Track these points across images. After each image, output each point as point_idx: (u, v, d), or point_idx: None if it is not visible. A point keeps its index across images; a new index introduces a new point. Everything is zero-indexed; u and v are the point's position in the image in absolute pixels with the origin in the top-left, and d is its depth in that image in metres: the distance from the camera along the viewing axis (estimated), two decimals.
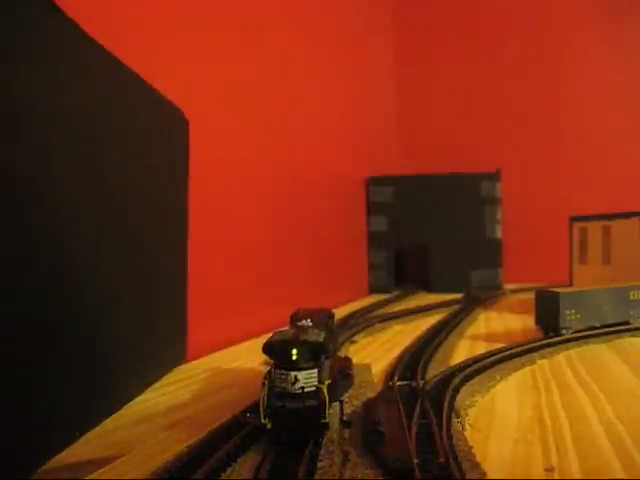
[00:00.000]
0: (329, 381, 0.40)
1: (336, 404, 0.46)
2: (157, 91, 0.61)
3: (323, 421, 0.38)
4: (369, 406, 0.49)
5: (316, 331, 0.42)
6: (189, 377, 0.65)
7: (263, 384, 0.39)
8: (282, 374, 0.38)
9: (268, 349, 0.39)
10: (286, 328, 0.43)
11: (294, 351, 0.38)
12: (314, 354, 0.38)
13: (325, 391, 0.38)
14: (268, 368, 0.41)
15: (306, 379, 0.38)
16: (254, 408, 0.41)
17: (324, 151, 1.33)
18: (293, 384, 0.37)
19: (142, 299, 0.58)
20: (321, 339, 0.40)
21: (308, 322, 0.45)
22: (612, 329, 0.84)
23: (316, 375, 0.38)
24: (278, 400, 0.37)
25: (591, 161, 1.79)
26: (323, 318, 0.48)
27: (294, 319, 0.47)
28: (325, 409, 0.37)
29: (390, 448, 0.38)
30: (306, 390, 0.37)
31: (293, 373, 0.37)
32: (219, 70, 0.89)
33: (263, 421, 0.38)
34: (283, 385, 0.38)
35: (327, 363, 0.42)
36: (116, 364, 0.52)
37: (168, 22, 0.76)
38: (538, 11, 1.87)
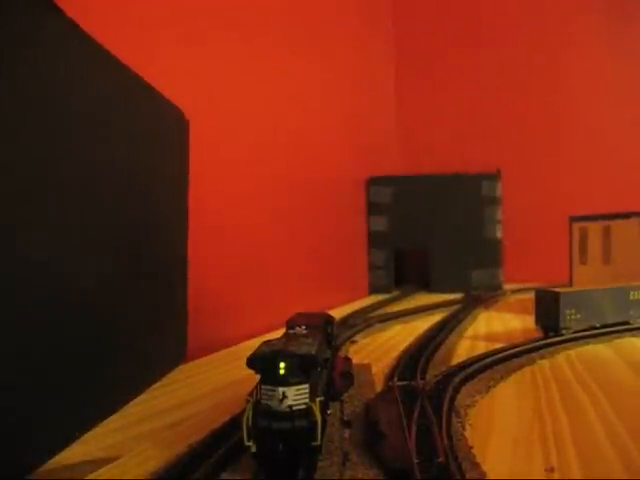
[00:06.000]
0: (321, 398, 0.36)
1: (336, 404, 0.46)
2: (157, 91, 0.61)
3: (314, 444, 0.33)
4: (369, 406, 0.49)
5: (308, 340, 0.38)
6: (189, 377, 0.65)
7: (247, 401, 0.34)
8: (268, 390, 0.33)
9: (253, 362, 0.35)
10: (276, 337, 0.40)
11: (282, 364, 0.34)
12: (304, 368, 0.34)
13: (317, 410, 0.33)
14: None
15: (295, 396, 0.33)
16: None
17: (324, 151, 1.33)
18: (281, 401, 0.33)
19: (142, 299, 0.58)
20: (313, 350, 0.36)
21: (302, 329, 0.42)
22: (612, 329, 0.84)
23: (307, 391, 0.34)
24: (264, 420, 0.33)
25: (591, 161, 1.79)
26: (320, 324, 0.46)
27: (290, 324, 0.44)
28: (317, 430, 0.33)
29: (390, 448, 0.38)
30: (295, 408, 0.33)
31: (281, 389, 0.33)
32: (220, 70, 0.89)
33: (247, 443, 0.33)
34: (269, 402, 0.33)
35: (320, 376, 0.39)
36: (116, 364, 0.52)
37: (169, 22, 0.76)
38: (538, 11, 1.87)
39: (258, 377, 0.35)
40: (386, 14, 1.97)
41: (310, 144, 1.25)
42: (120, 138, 0.53)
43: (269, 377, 0.34)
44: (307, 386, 0.34)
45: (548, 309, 0.83)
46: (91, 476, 0.38)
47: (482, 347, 0.77)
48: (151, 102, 0.61)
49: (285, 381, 0.33)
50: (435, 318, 1.04)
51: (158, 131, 0.63)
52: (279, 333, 0.44)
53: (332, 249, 1.37)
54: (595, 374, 0.61)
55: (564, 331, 0.80)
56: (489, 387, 0.57)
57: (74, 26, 0.43)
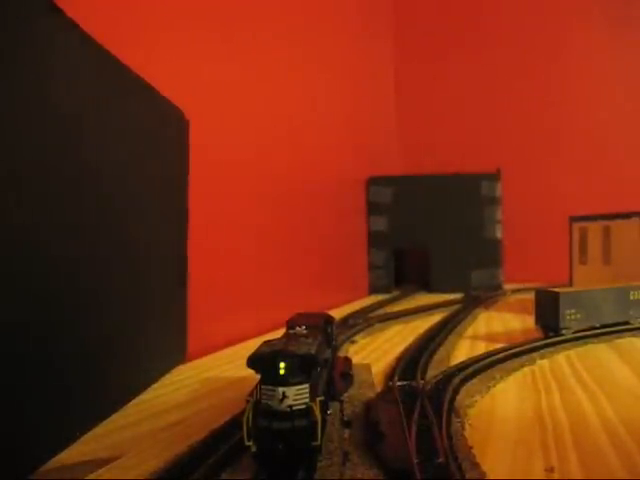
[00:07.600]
0: (322, 398, 0.36)
1: (336, 404, 0.46)
2: (157, 91, 0.61)
3: (314, 444, 0.33)
4: (369, 406, 0.49)
5: (309, 340, 0.38)
6: (189, 377, 0.65)
7: (247, 401, 0.34)
8: (268, 390, 0.34)
9: (253, 362, 0.35)
10: (276, 337, 0.40)
11: (282, 364, 0.34)
12: (304, 367, 0.34)
13: (317, 410, 0.33)
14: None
15: (295, 396, 0.33)
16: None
17: (324, 151, 1.33)
18: (281, 401, 0.33)
19: (142, 299, 0.58)
20: (313, 350, 0.36)
21: (302, 329, 0.42)
22: (612, 329, 0.84)
23: (307, 391, 0.34)
24: (264, 419, 0.33)
25: (591, 161, 1.79)
26: (320, 324, 0.46)
27: (290, 324, 0.45)
28: (317, 430, 0.33)
29: (390, 448, 0.38)
30: (295, 408, 0.33)
31: (281, 389, 0.33)
32: (220, 70, 0.89)
33: (247, 443, 0.33)
34: (269, 402, 0.33)
35: (320, 376, 0.39)
36: (116, 364, 0.52)
37: (169, 21, 0.76)
38: (539, 12, 1.87)
39: (258, 377, 0.35)
40: (386, 14, 1.97)
41: (310, 144, 1.25)
42: (120, 138, 0.53)
43: (269, 377, 0.34)
44: (307, 386, 0.34)
45: (548, 309, 0.83)
46: (91, 476, 0.38)
47: (482, 347, 0.77)
48: (151, 102, 0.61)
49: (285, 381, 0.33)
50: (435, 318, 1.04)
51: (158, 131, 0.63)
52: (279, 333, 0.44)
53: (332, 249, 1.37)
54: (595, 374, 0.61)
55: (564, 331, 0.80)
56: (489, 387, 0.57)
57: (74, 26, 0.43)
